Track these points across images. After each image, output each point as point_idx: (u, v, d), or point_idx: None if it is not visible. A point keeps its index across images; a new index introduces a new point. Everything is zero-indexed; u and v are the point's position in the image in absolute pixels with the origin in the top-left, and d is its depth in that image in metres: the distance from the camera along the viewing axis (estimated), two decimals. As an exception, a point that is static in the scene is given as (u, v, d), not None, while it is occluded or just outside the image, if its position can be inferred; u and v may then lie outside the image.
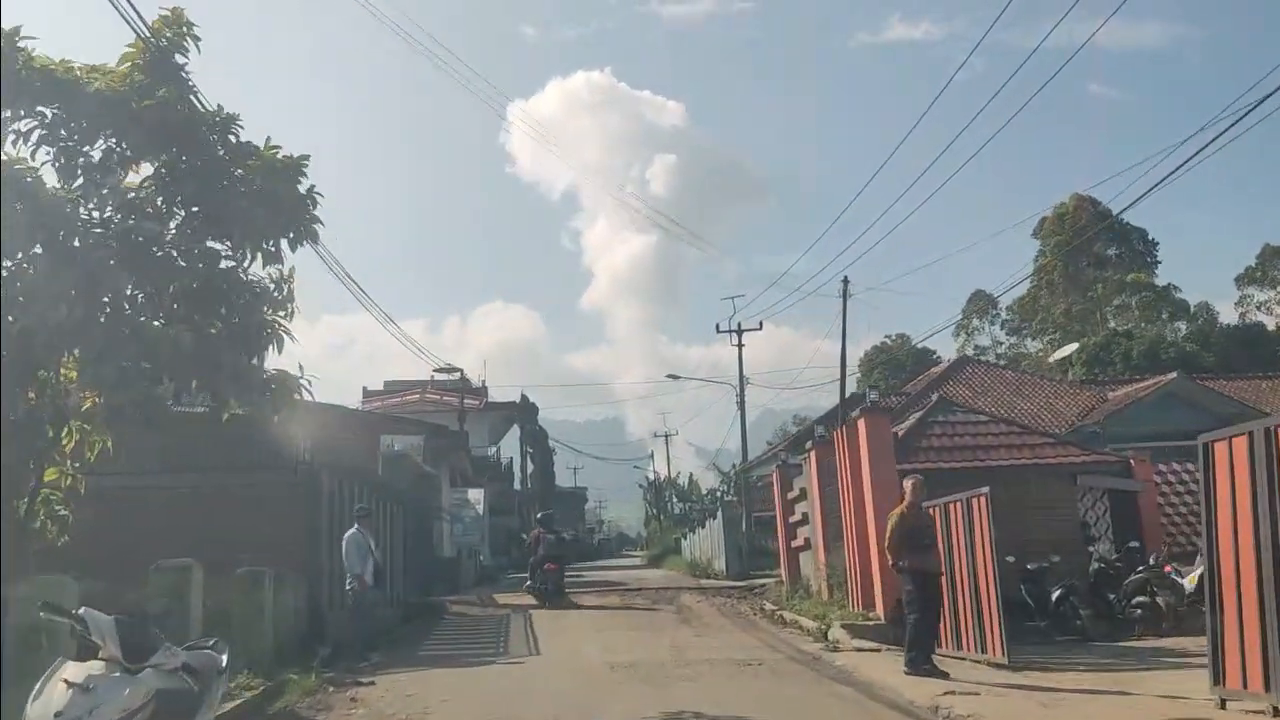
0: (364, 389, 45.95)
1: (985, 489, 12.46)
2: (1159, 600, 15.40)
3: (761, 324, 43.86)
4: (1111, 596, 15.84)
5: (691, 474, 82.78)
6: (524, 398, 59.55)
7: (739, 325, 43.89)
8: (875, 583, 15.23)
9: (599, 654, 12.91)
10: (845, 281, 21.75)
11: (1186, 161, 13.75)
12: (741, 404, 43.33)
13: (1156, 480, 20.14)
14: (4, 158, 8.56)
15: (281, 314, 10.82)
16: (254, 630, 12.18)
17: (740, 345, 43.80)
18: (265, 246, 10.03)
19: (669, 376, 44.77)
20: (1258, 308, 70.94)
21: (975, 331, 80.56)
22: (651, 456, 71.00)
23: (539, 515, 24.84)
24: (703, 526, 31.97)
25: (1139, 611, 15.44)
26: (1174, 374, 30.07)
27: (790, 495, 20.97)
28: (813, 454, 18.57)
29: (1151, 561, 15.87)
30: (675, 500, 78.57)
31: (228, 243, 9.61)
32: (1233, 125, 12.40)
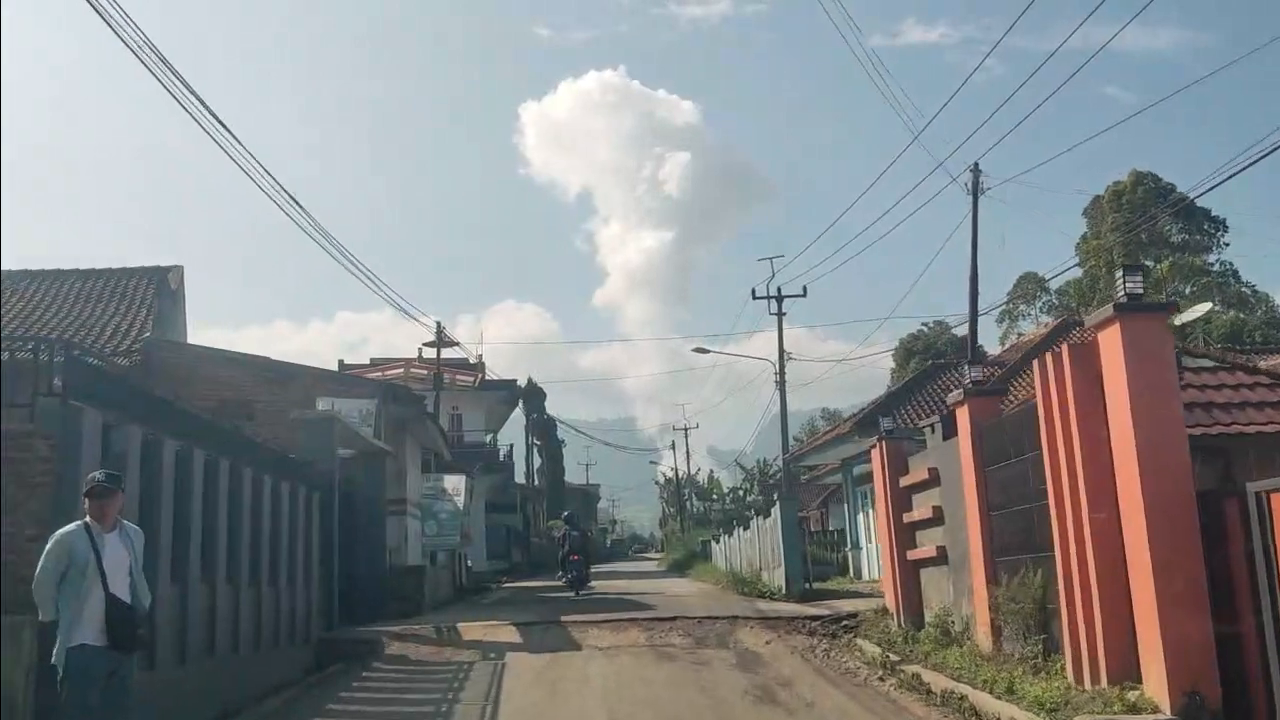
0: (340, 363, 38.55)
1: None
2: None
3: (805, 290, 36.47)
4: None
5: (711, 471, 75.46)
6: (530, 381, 52.30)
7: (779, 290, 36.54)
8: (1144, 631, 7.81)
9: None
10: (976, 170, 14.56)
11: None
12: (781, 382, 35.95)
13: None
14: None
15: None
16: None
17: (780, 314, 36.46)
18: None
19: (696, 350, 37.25)
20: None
21: (1021, 318, 73.04)
22: (673, 447, 63.31)
23: (564, 515, 27.88)
24: (744, 528, 24.51)
25: None
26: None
27: (904, 482, 13.53)
28: (966, 409, 11.09)
29: None
30: (695, 499, 71.18)
31: None
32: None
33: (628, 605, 17.77)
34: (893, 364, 73.27)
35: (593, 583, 23.97)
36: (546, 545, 54.06)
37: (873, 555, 26.17)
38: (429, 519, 22.31)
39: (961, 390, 11.33)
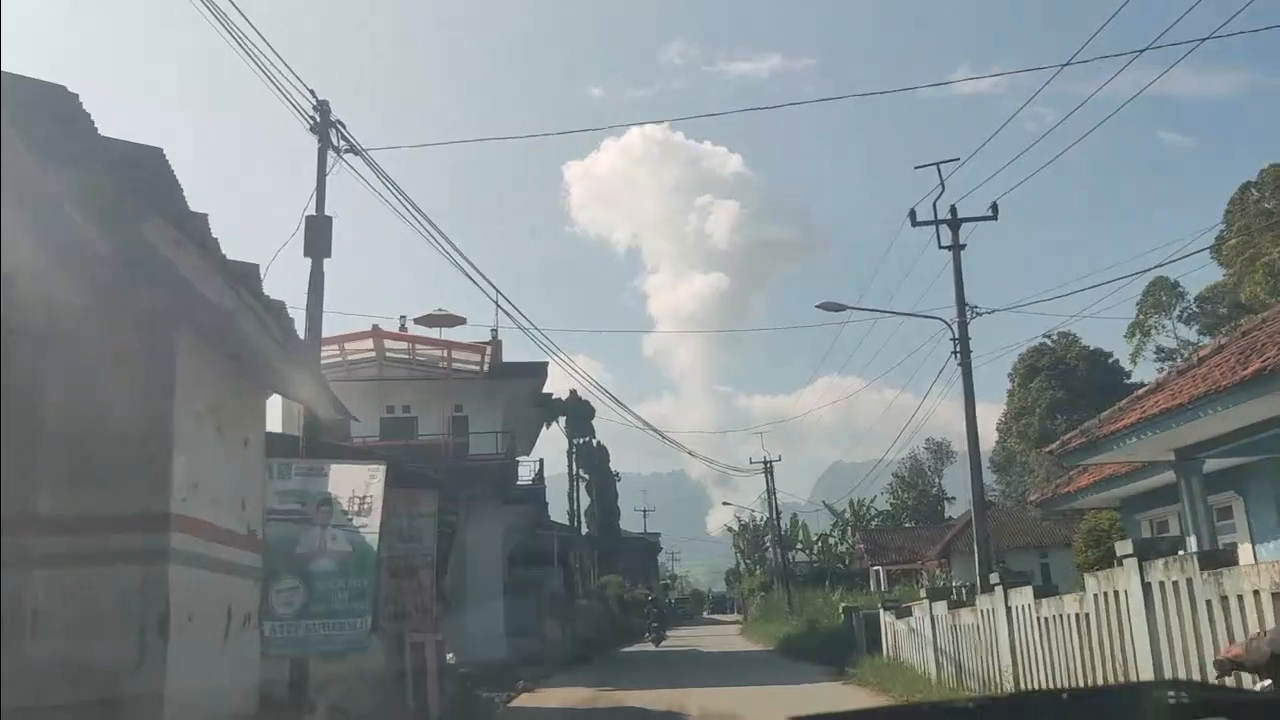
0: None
1: None
2: None
3: (996, 209, 22.28)
4: None
5: (795, 515, 60.56)
6: (574, 395, 38.31)
7: (952, 210, 22.29)
8: None
9: None
10: None
11: None
12: (963, 339, 21.63)
13: None
14: None
15: None
16: None
17: (956, 246, 22.20)
18: None
19: (822, 306, 22.76)
20: None
21: (1154, 330, 58.10)
22: (768, 470, 48.38)
23: (650, 596, 40.41)
24: (1038, 593, 9.89)
25: None
26: None
27: None
28: None
29: None
30: (778, 550, 56.03)
31: None
32: None
33: None
34: (1009, 385, 59.28)
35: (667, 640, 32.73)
36: (599, 609, 39.32)
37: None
38: (287, 574, 8.28)
39: None
